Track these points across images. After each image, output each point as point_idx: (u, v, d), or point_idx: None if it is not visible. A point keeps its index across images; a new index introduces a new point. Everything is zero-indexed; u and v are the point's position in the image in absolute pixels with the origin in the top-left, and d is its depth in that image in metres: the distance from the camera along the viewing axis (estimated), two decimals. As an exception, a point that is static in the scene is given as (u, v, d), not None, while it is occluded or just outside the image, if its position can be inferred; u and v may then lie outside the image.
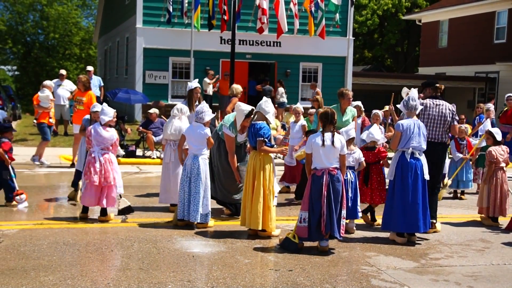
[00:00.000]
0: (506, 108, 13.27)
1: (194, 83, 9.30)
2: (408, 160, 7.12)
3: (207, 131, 7.59)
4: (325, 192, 6.47)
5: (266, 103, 7.24)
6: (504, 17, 27.33)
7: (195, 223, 7.48)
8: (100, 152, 7.73)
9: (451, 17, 30.61)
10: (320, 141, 6.53)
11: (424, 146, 7.25)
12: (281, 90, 20.33)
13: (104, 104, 8.23)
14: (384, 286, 5.59)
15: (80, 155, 8.93)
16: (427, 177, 7.21)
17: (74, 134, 12.82)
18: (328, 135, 6.56)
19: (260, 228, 7.08)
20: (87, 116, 8.90)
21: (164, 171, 8.47)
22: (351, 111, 9.06)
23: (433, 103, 7.71)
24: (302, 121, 10.45)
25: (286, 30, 20.77)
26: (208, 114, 7.65)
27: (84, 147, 8.65)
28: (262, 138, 7.02)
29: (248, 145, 7.47)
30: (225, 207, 8.42)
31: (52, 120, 12.84)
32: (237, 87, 10.74)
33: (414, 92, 7.48)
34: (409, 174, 7.10)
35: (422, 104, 7.60)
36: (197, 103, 9.10)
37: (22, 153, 13.15)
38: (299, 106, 10.83)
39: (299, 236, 6.64)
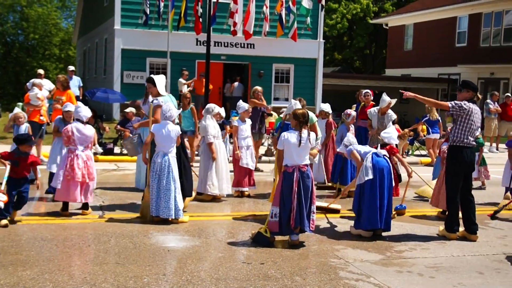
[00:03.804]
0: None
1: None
2: (377, 159, 7.39)
3: (178, 128, 7.81)
4: (296, 188, 6.68)
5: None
6: (465, 22, 28.34)
7: (170, 219, 7.63)
8: (81, 150, 7.82)
9: (416, 21, 31.47)
10: (296, 141, 6.72)
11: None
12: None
13: (79, 103, 8.29)
14: (351, 278, 5.77)
15: (53, 156, 8.86)
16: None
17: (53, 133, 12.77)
18: (304, 134, 6.78)
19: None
20: (60, 117, 8.91)
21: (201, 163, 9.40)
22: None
23: (476, 109, 7.34)
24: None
25: (251, 32, 20.74)
26: (175, 111, 7.88)
27: (57, 149, 8.69)
28: None
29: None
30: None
31: (44, 118, 12.46)
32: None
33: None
34: (377, 174, 7.30)
35: (461, 106, 7.26)
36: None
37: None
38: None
39: (271, 231, 6.82)
